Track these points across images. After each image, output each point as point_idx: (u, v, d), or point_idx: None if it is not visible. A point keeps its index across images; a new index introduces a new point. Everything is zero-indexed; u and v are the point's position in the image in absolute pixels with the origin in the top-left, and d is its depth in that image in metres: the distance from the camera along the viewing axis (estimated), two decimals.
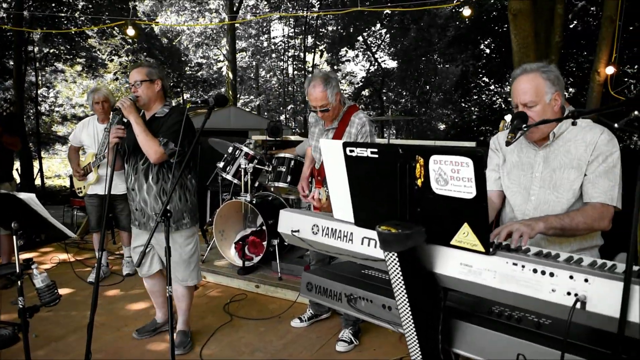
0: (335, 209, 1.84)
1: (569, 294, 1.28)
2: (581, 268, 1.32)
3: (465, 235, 1.42)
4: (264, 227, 4.61)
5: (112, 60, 20.40)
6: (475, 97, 20.25)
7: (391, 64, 25.70)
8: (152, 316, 3.66)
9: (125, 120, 2.94)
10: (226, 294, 4.42)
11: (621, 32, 4.97)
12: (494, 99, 20.43)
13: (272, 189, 4.88)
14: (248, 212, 5.06)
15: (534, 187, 2.06)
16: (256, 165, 4.66)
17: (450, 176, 1.38)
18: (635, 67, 12.70)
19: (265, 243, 4.61)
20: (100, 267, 2.83)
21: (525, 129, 1.74)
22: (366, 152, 1.58)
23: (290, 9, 23.82)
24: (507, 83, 19.64)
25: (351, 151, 1.62)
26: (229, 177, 4.74)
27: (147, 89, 3.06)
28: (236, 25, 23.35)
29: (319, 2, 23.28)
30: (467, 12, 6.63)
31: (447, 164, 1.38)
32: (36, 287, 2.62)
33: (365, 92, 25.89)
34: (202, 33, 27.09)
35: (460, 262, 1.46)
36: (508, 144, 1.76)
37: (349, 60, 27.24)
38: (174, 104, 3.24)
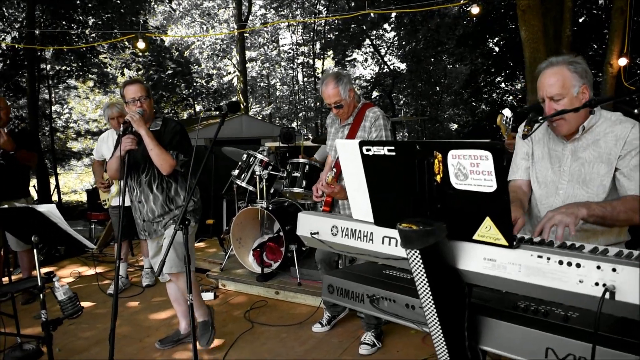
0: (354, 209, 1.83)
1: (597, 284, 1.26)
2: (608, 258, 1.29)
3: (488, 229, 1.41)
4: (281, 233, 4.62)
5: (123, 74, 20.62)
6: (485, 95, 20.13)
7: (401, 65, 25.64)
8: (175, 326, 3.68)
9: (133, 131, 3.02)
10: (246, 301, 4.43)
11: (632, 23, 4.91)
12: (505, 97, 20.31)
13: (287, 195, 4.88)
14: (265, 218, 5.07)
15: (562, 182, 2.02)
16: (271, 172, 4.68)
17: (470, 170, 1.37)
18: None
19: (283, 249, 4.61)
20: (118, 277, 2.86)
21: (541, 120, 1.71)
22: (383, 151, 1.57)
23: (298, 16, 23.93)
24: (517, 80, 19.54)
25: (368, 150, 1.61)
26: (243, 184, 4.76)
27: (148, 104, 3.18)
28: (245, 35, 23.51)
29: (325, 8, 23.36)
30: (475, 10, 6.60)
31: (466, 159, 1.37)
32: (58, 300, 2.65)
33: (375, 95, 25.87)
34: (212, 44, 27.31)
35: (483, 257, 1.44)
36: (525, 137, 1.74)
37: (356, 65, 27.24)
38: (162, 114, 3.40)
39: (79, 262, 5.96)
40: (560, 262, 1.32)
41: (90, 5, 14.43)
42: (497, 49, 17.54)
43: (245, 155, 4.83)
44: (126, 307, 4.41)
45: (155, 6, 21.54)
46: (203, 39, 26.88)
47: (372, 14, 19.27)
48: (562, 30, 6.26)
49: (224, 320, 4.00)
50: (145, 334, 3.82)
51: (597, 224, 1.88)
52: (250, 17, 24.14)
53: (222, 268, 4.98)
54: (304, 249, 4.79)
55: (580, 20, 13.16)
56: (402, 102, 26.51)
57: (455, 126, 26.55)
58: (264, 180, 4.65)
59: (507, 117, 2.99)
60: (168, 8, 21.42)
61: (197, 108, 24.92)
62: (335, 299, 2.09)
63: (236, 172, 4.83)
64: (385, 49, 25.58)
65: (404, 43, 24.09)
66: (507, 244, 1.38)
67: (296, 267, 4.44)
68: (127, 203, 4.53)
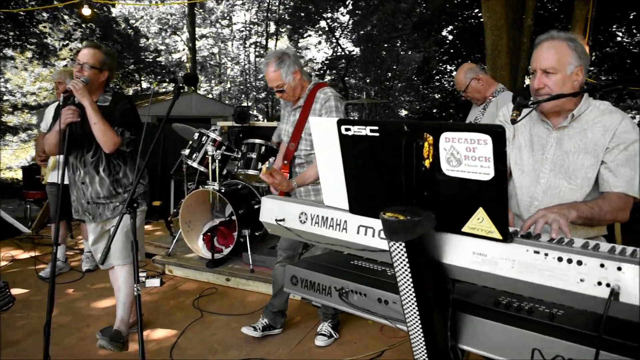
0: (326, 195, 1.67)
1: (599, 284, 1.15)
2: (613, 255, 1.18)
3: (480, 221, 1.28)
4: (234, 217, 4.40)
5: (64, 47, 19.46)
6: (437, 83, 20.36)
7: (354, 49, 25.57)
8: None
9: (77, 103, 2.72)
10: (195, 288, 4.21)
11: (594, 13, 4.96)
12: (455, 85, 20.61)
13: (241, 177, 4.66)
14: (216, 201, 4.83)
15: (544, 170, 1.91)
16: (224, 152, 4.44)
17: (465, 155, 1.23)
18: (607, 48, 12.98)
19: (235, 234, 4.41)
20: (55, 262, 2.59)
21: (532, 106, 1.59)
22: (365, 131, 1.41)
23: None
24: None
25: (347, 130, 1.45)
26: (195, 164, 4.50)
27: (93, 75, 2.84)
28: (196, 11, 22.71)
29: None
30: None
31: (461, 142, 1.23)
32: None
33: (328, 79, 25.71)
34: (161, 19, 26.27)
35: (472, 251, 1.32)
36: (514, 122, 1.61)
37: (309, 48, 26.97)
38: (114, 90, 3.05)
39: (12, 244, 5.53)
40: (560, 259, 1.20)
41: None
42: (450, 37, 17.70)
43: (197, 134, 4.57)
44: (64, 294, 4.09)
45: None
46: (151, 13, 25.82)
47: None
48: (524, 19, 6.27)
49: (171, 308, 3.78)
50: (84, 323, 3.54)
51: (584, 225, 1.80)
52: None
53: (169, 253, 4.71)
54: (257, 234, 4.60)
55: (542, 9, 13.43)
56: (354, 86, 26.48)
57: (404, 112, 26.79)
58: (217, 160, 4.41)
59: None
60: None
61: (144, 85, 23.96)
62: (299, 291, 1.93)
63: (187, 151, 4.57)
64: (340, 31, 25.41)
65: (358, 27, 24.00)
66: (501, 237, 1.25)
67: (249, 253, 4.25)
68: (66, 181, 4.23)
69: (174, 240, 4.79)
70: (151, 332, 3.36)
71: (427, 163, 1.31)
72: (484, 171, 1.21)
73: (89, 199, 2.97)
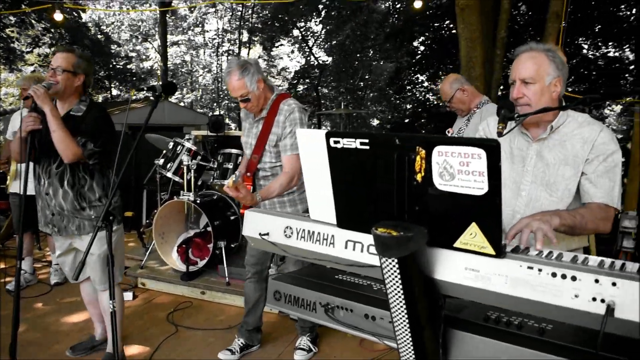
0: (312, 208, 1.63)
1: (594, 299, 1.14)
2: (607, 271, 1.18)
3: (473, 236, 1.26)
4: (209, 229, 4.32)
5: (31, 52, 18.98)
6: (409, 93, 20.59)
7: (327, 59, 25.68)
8: (89, 331, 3.30)
9: (39, 109, 2.59)
10: (169, 302, 4.10)
11: (566, 27, 5.07)
12: (427, 95, 20.90)
13: (217, 188, 4.58)
14: (191, 212, 4.73)
15: (524, 182, 1.92)
16: (200, 162, 4.36)
17: (458, 170, 1.21)
18: (576, 60, 13.30)
19: (210, 246, 4.32)
20: (20, 274, 2.48)
21: (518, 119, 1.59)
22: (354, 144, 1.38)
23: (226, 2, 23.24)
24: (438, 80, 20.15)
25: (336, 142, 1.42)
26: (169, 174, 4.40)
27: (66, 80, 2.72)
28: (168, 18, 22.49)
29: None
30: (418, 4, 6.54)
31: (454, 156, 1.21)
32: None
33: (302, 88, 25.74)
34: (132, 25, 25.92)
35: (465, 267, 1.29)
36: (500, 134, 1.61)
37: (282, 57, 26.99)
38: (90, 99, 2.90)
39: None
40: (554, 275, 1.19)
41: None
42: (422, 47, 17.93)
43: (171, 143, 4.48)
44: (32, 309, 3.93)
45: None
46: (122, 20, 25.46)
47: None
48: (497, 32, 6.37)
49: (145, 323, 3.67)
50: (54, 339, 3.40)
51: (566, 233, 1.81)
52: (175, 1, 23.13)
53: (142, 265, 4.59)
54: (233, 245, 4.52)
55: (518, 22, 13.71)
56: (327, 95, 26.57)
57: (376, 122, 26.97)
58: (192, 170, 4.32)
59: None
60: None
61: (114, 92, 23.54)
62: (282, 307, 1.88)
63: (161, 161, 4.47)
64: (313, 41, 25.50)
65: (331, 36, 24.12)
66: (494, 252, 1.24)
67: (224, 265, 4.16)
68: (31, 191, 4.08)
69: (147, 252, 4.67)
70: (125, 348, 3.24)
71: (419, 177, 1.28)
72: (478, 186, 1.20)
73: (53, 211, 2.82)
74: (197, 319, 3.75)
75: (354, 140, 1.38)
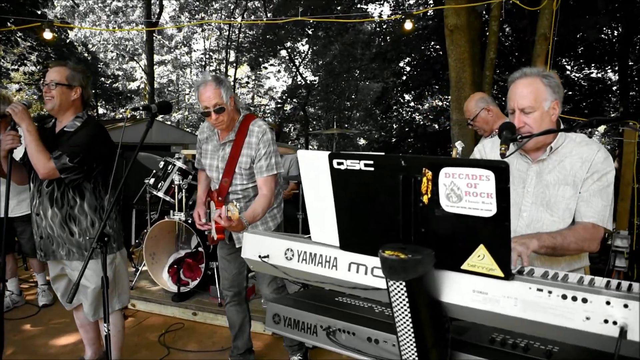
0: (313, 230, 1.61)
1: (606, 321, 1.13)
2: (618, 292, 1.17)
3: (481, 258, 1.25)
4: (200, 249, 4.26)
5: (16, 70, 18.83)
6: (395, 113, 20.76)
7: (314, 78, 25.88)
8: (79, 353, 3.21)
9: (18, 127, 2.54)
10: (161, 323, 4.02)
11: (554, 49, 5.16)
12: (413, 115, 21.10)
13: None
14: (182, 232, 4.67)
15: (525, 203, 1.92)
16: (192, 182, 4.32)
17: (466, 191, 1.21)
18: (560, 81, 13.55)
19: (202, 266, 4.26)
20: (3, 297, 2.41)
21: (520, 140, 1.60)
22: (359, 165, 1.37)
23: (213, 21, 23.41)
24: (424, 100, 20.39)
25: (339, 163, 1.40)
26: (160, 194, 4.35)
27: (61, 94, 2.63)
28: (155, 37, 22.54)
29: (241, 16, 23.06)
30: (408, 25, 6.61)
31: (462, 178, 1.20)
32: None
33: (288, 108, 25.86)
34: (119, 44, 25.92)
35: (473, 289, 1.28)
36: (503, 156, 1.61)
37: (269, 77, 27.13)
38: (88, 116, 2.81)
39: None
40: (564, 297, 1.18)
41: None
42: (408, 68, 18.14)
43: (162, 163, 4.43)
44: (20, 331, 3.82)
45: (56, 1, 20.01)
46: (108, 39, 25.45)
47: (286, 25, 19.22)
48: (486, 53, 6.47)
49: (135, 345, 3.59)
50: None
51: (547, 254, 1.81)
52: (161, 20, 23.21)
53: (132, 286, 4.51)
54: None
55: (506, 44, 13.92)
56: (314, 115, 26.70)
57: (363, 142, 27.13)
58: (184, 190, 4.28)
59: (460, 150, 2.94)
60: (70, 3, 20.00)
61: (101, 110, 23.41)
62: (282, 330, 1.84)
63: (152, 180, 4.42)
64: (300, 60, 25.69)
65: (318, 56, 24.34)
66: (502, 275, 1.23)
67: (217, 286, 4.10)
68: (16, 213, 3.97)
69: (137, 273, 4.59)
70: None
71: (425, 199, 1.28)
72: (486, 207, 1.19)
73: (42, 233, 2.71)
74: (189, 341, 3.68)
75: (358, 161, 1.37)
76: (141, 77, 25.22)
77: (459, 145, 3.23)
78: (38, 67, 18.76)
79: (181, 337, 3.77)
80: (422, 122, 20.60)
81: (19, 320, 4.00)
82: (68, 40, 19.13)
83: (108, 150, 2.77)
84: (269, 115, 25.71)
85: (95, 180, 2.73)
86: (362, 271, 1.49)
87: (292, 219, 5.00)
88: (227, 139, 2.83)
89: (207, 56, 27.06)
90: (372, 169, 1.35)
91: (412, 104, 20.52)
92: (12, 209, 3.88)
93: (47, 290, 4.41)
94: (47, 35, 7.31)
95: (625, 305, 1.12)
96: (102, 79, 23.73)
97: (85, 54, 21.72)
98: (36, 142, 2.52)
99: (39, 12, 14.61)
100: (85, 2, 25.14)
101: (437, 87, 16.76)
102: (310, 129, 24.02)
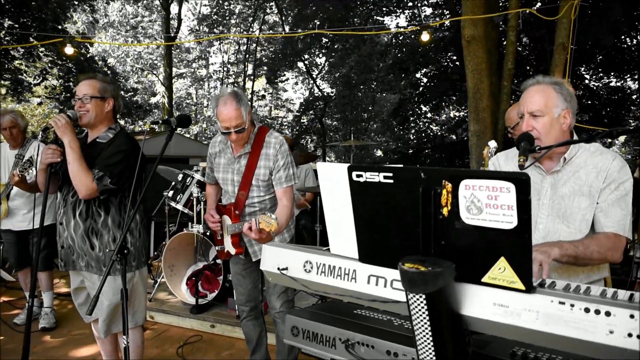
0: (332, 243, 1.62)
1: (630, 335, 1.11)
2: None
3: (502, 271, 1.24)
4: (219, 261, 4.29)
5: (39, 84, 19.23)
6: (412, 124, 20.74)
7: (331, 90, 26.00)
8: None
9: (60, 141, 2.51)
10: (179, 335, 4.04)
11: (572, 58, 5.13)
12: (431, 126, 21.06)
13: None
14: (200, 244, 4.70)
15: (541, 215, 1.90)
16: None
17: (486, 204, 1.20)
18: (576, 90, 13.44)
19: (220, 278, 4.28)
20: (32, 311, 2.45)
21: (539, 151, 1.59)
22: (378, 177, 1.37)
23: (232, 37, 23.72)
24: (442, 111, 20.35)
25: (359, 176, 1.41)
26: (179, 206, 4.40)
27: (96, 106, 2.63)
28: (173, 50, 22.90)
29: (259, 29, 23.32)
30: (425, 37, 6.62)
31: (482, 190, 1.20)
32: None
33: (305, 119, 25.98)
34: (138, 58, 26.37)
35: (493, 302, 1.27)
36: (522, 167, 1.60)
37: (287, 90, 27.32)
38: (121, 128, 2.80)
39: None
40: (587, 310, 1.16)
41: (7, 7, 13.37)
42: (425, 79, 18.14)
43: (181, 176, 4.48)
44: (40, 342, 3.87)
45: (76, 16, 20.44)
46: (127, 52, 25.90)
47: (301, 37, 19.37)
48: (504, 63, 6.45)
49: (154, 357, 3.60)
50: None
51: (569, 263, 1.79)
52: (179, 35, 23.59)
53: (150, 298, 4.54)
54: None
55: (524, 54, 13.85)
56: (331, 127, 26.78)
57: (380, 153, 27.10)
58: (202, 202, 4.32)
59: (492, 149, 2.91)
60: (91, 18, 20.44)
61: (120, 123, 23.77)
62: (300, 343, 1.85)
63: (170, 193, 4.47)
64: (317, 73, 25.85)
65: (334, 68, 24.45)
66: (524, 287, 1.21)
67: (235, 298, 4.10)
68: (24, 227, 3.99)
69: (156, 285, 4.63)
70: None
71: (445, 211, 1.27)
72: (507, 220, 1.18)
73: (64, 243, 2.71)
74: (207, 353, 3.69)
75: (377, 174, 1.37)
76: (160, 89, 25.58)
77: (492, 144, 3.14)
78: (60, 82, 19.13)
79: (199, 349, 3.78)
80: (439, 133, 20.56)
81: (38, 332, 4.03)
82: (89, 55, 19.48)
83: (139, 165, 2.77)
84: (286, 127, 25.88)
85: (122, 194, 2.71)
86: (381, 284, 1.49)
87: (311, 231, 5.00)
88: (243, 152, 2.82)
89: (225, 69, 27.38)
90: (391, 181, 1.36)
91: (429, 115, 20.50)
92: (31, 220, 3.95)
93: (50, 313, 4.28)
94: (69, 50, 7.48)
95: None
96: (122, 92, 24.11)
97: (105, 68, 22.10)
98: (79, 160, 2.50)
99: (60, 28, 14.96)
100: (106, 17, 25.71)
101: (454, 98, 16.73)
102: (328, 141, 24.07)
